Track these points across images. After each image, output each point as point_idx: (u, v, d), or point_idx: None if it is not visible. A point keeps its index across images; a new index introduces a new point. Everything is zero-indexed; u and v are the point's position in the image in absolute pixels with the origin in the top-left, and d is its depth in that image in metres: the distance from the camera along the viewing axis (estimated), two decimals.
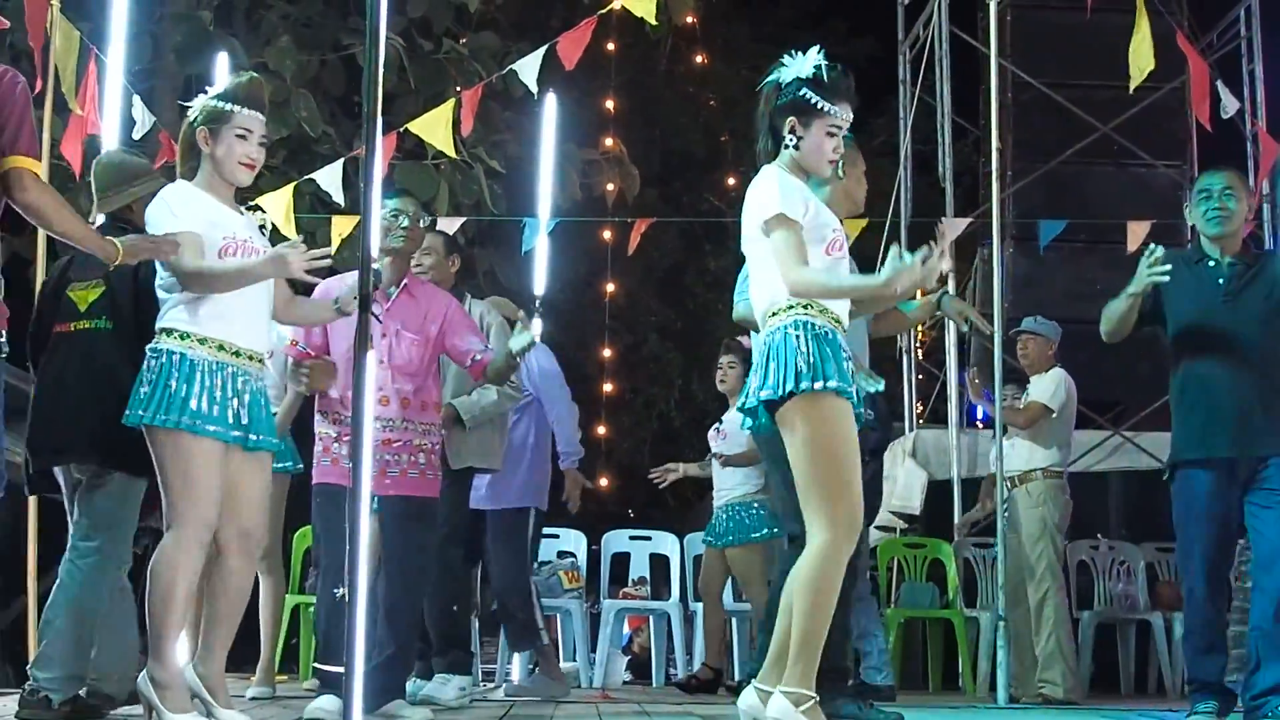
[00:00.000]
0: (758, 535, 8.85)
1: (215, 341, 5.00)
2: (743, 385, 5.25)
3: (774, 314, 4.83)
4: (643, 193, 15.15)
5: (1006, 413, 8.73)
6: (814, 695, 4.67)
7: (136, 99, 9.19)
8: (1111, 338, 6.40)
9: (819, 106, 4.93)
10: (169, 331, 5.01)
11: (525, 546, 8.33)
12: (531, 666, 8.99)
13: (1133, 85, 8.97)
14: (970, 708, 8.36)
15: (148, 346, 5.04)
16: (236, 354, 5.04)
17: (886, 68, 14.33)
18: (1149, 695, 10.11)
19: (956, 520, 10.89)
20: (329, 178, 9.52)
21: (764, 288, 4.91)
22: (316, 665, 6.08)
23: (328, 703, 5.60)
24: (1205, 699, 6.25)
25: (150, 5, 11.50)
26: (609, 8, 9.05)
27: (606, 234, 15.27)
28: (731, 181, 18.37)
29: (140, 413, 4.92)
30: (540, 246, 11.08)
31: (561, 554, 10.53)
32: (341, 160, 9.80)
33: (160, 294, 5.10)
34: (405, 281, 6.25)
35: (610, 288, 15.73)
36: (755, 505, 8.85)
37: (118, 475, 5.73)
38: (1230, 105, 10.25)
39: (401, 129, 9.62)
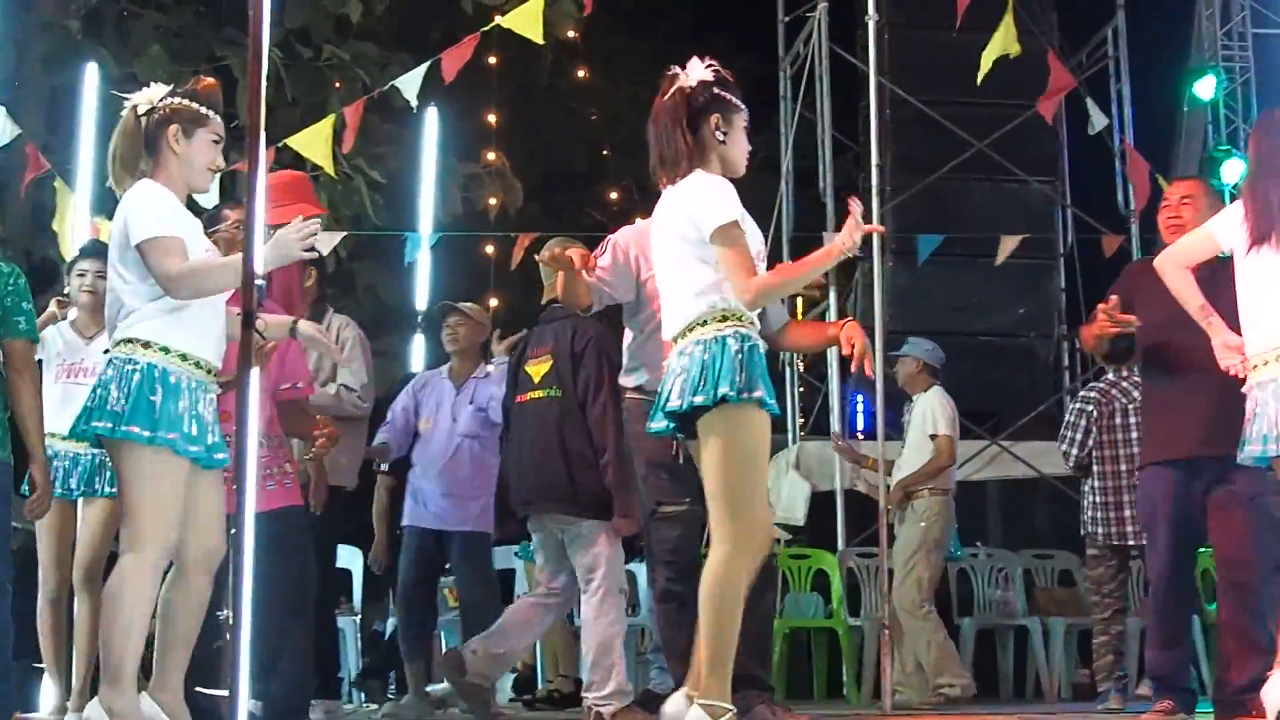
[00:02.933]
0: None
1: (192, 358, 4.86)
2: None
3: (704, 323, 4.79)
4: (525, 206, 15.07)
5: (929, 472, 8.81)
6: (730, 708, 4.66)
7: (0, 109, 8.99)
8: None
9: (735, 103, 5.00)
10: (145, 343, 4.80)
11: (490, 568, 8.39)
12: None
13: (982, 72, 9.07)
14: (855, 716, 8.42)
15: (115, 355, 4.84)
16: (198, 365, 4.88)
17: (768, 84, 14.40)
18: (1027, 699, 10.23)
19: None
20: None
21: (695, 294, 4.83)
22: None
23: None
24: (1161, 695, 6.33)
25: (14, 13, 11.25)
26: (491, 26, 9.02)
27: (489, 248, 15.21)
28: (614, 195, 18.40)
29: (114, 425, 4.72)
30: (422, 261, 11.04)
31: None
32: (217, 175, 9.65)
33: (127, 300, 4.88)
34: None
35: (494, 302, 15.66)
36: None
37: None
38: (1098, 122, 10.42)
39: (280, 144, 9.49)
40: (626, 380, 6.03)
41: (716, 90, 4.96)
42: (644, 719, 6.20)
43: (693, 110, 4.94)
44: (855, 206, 4.79)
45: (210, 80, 5.20)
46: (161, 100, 5.07)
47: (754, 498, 4.82)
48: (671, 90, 4.97)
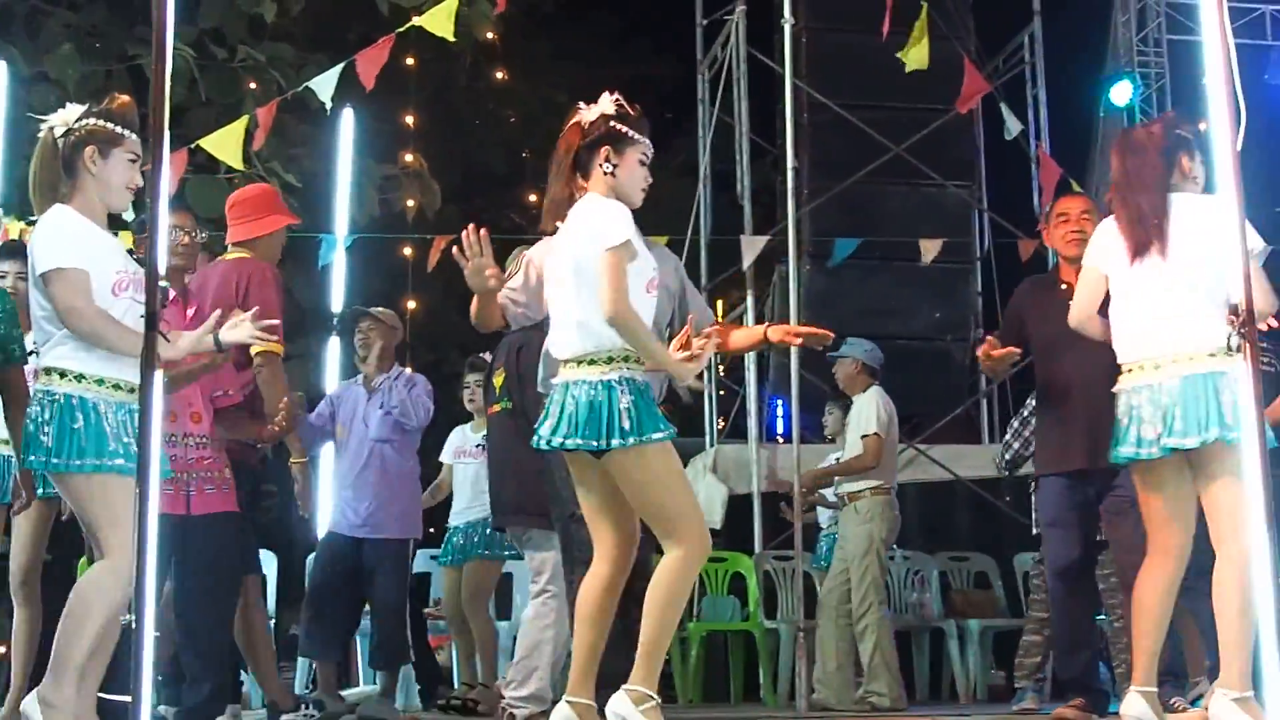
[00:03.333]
0: (487, 554, 8.80)
1: (110, 381, 4.87)
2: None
3: (594, 362, 4.86)
4: (444, 209, 14.97)
5: (852, 465, 8.85)
6: (655, 697, 4.78)
7: None
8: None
9: (630, 135, 5.04)
10: (62, 373, 4.84)
11: (407, 573, 8.38)
12: (310, 687, 8.95)
13: (909, 67, 9.14)
14: (771, 718, 8.43)
15: (38, 387, 4.89)
16: (117, 387, 4.89)
17: (685, 87, 14.41)
18: (943, 700, 10.29)
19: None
20: None
21: (592, 328, 4.89)
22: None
23: None
24: (1068, 695, 6.51)
25: None
26: (407, 27, 8.99)
27: (407, 250, 15.12)
28: (533, 198, 18.30)
29: (46, 459, 4.79)
30: (338, 263, 10.94)
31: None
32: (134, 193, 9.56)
33: (45, 327, 4.91)
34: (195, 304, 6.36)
35: (411, 305, 15.59)
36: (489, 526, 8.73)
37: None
38: (1014, 126, 10.49)
39: (193, 145, 9.42)
40: (544, 388, 6.03)
41: (613, 123, 5.02)
42: None
43: (584, 144, 5.03)
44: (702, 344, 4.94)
45: (125, 99, 5.18)
46: (78, 121, 5.05)
47: (685, 508, 4.94)
48: (568, 126, 5.08)
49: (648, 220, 5.81)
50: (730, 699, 10.61)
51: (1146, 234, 5.43)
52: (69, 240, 4.88)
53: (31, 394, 4.98)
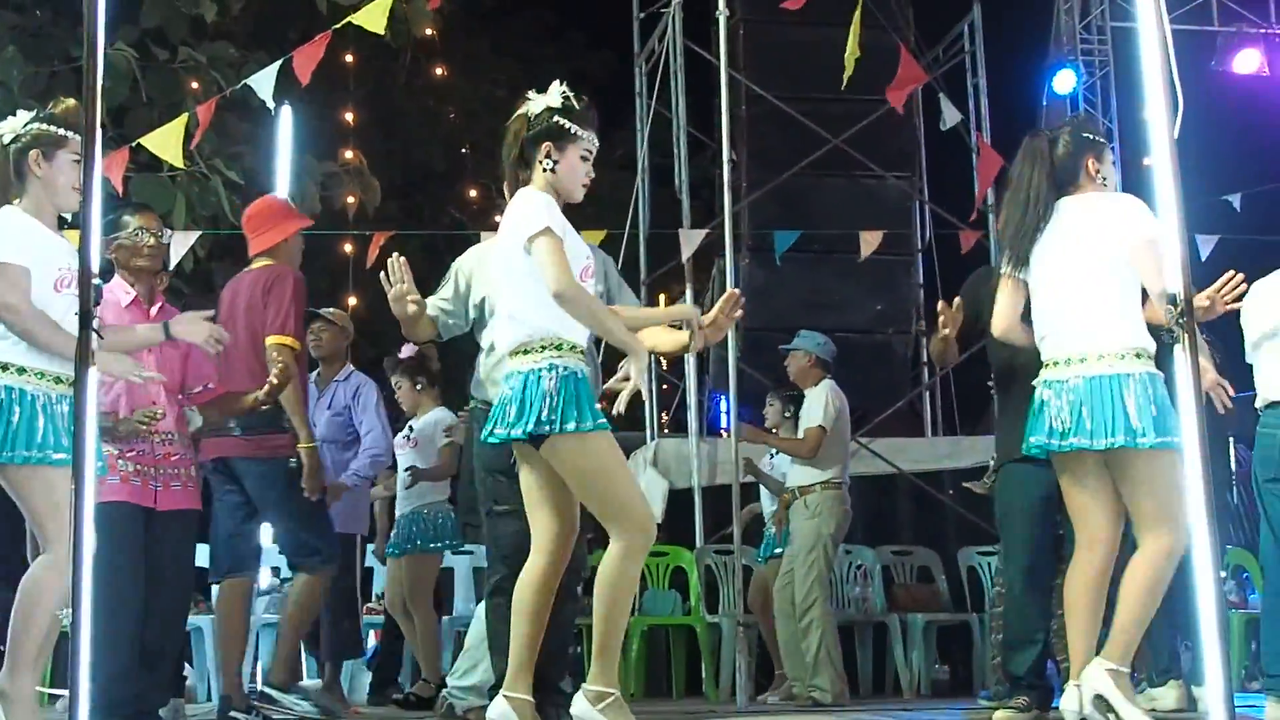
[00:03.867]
0: (435, 546, 8.80)
1: (50, 375, 5.00)
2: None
3: (527, 352, 4.93)
4: (384, 205, 14.96)
5: (790, 445, 8.87)
6: (615, 691, 4.82)
7: None
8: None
9: (572, 132, 5.08)
10: (4, 366, 4.97)
11: (353, 567, 8.53)
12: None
13: (845, 75, 9.16)
14: (710, 713, 8.43)
15: None
16: (58, 380, 4.99)
17: (624, 80, 14.40)
18: (886, 694, 10.30)
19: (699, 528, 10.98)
20: None
21: (521, 318, 4.98)
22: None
23: None
24: (1015, 693, 6.40)
25: None
26: (341, 24, 9.00)
27: (348, 247, 15.09)
28: (473, 194, 18.32)
29: None
30: None
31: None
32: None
33: None
34: (160, 302, 6.38)
35: (353, 301, 15.54)
36: (440, 515, 8.75)
37: None
38: (951, 117, 10.50)
39: (135, 143, 9.41)
40: (476, 391, 6.12)
41: (556, 118, 5.07)
42: None
43: (524, 140, 5.10)
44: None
45: (70, 102, 5.31)
46: (24, 127, 5.26)
47: (627, 498, 4.97)
48: (515, 116, 5.14)
49: (586, 215, 5.82)
50: (672, 693, 10.61)
51: (1016, 249, 5.54)
52: (10, 238, 5.02)
53: None
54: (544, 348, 4.89)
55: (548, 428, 4.80)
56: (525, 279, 4.94)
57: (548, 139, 5.04)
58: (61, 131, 5.19)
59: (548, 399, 4.80)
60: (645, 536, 4.93)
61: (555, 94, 5.09)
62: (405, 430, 8.93)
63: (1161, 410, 5.18)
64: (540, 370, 4.86)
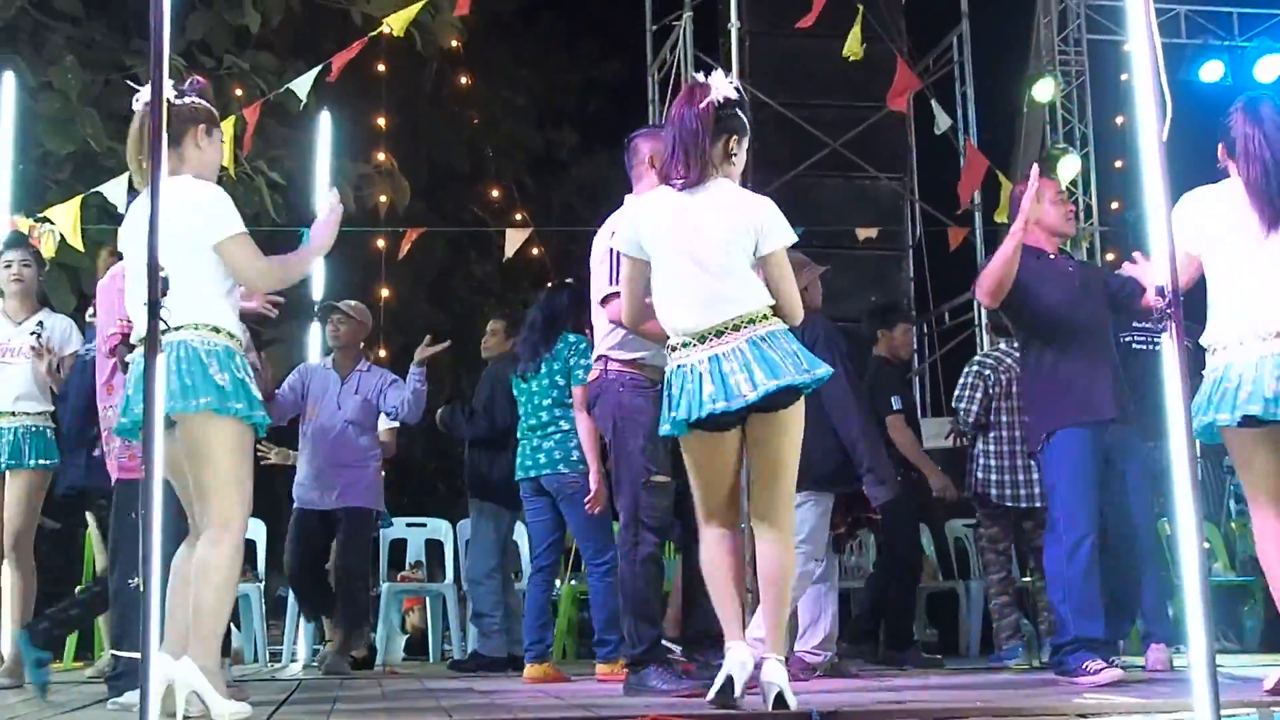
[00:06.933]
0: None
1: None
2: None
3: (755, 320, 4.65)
4: (412, 204, 15.09)
5: None
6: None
7: None
8: (996, 296, 6.03)
9: (746, 127, 4.89)
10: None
11: (369, 540, 8.69)
12: (316, 647, 9.04)
13: (846, 54, 9.24)
14: None
15: None
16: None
17: (637, 89, 14.42)
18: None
19: None
20: (114, 191, 9.27)
21: (746, 290, 4.70)
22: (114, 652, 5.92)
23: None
24: (1088, 656, 5.86)
25: None
26: (376, 32, 9.08)
27: (380, 243, 15.11)
28: (495, 193, 18.32)
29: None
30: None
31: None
32: (127, 174, 9.58)
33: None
34: None
35: (384, 293, 15.57)
36: None
37: None
38: (943, 122, 10.51)
39: None
40: (624, 354, 5.77)
41: (737, 111, 4.82)
42: None
43: (711, 124, 4.75)
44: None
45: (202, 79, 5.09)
46: (179, 100, 4.88)
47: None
48: (705, 100, 4.75)
49: (602, 218, 5.83)
50: None
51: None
52: (231, 207, 4.98)
53: None
54: (767, 316, 4.70)
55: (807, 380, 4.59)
56: (751, 265, 4.78)
57: (731, 131, 4.83)
58: (215, 111, 4.91)
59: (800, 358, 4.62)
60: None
61: (728, 85, 4.84)
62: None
63: None
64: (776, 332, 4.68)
